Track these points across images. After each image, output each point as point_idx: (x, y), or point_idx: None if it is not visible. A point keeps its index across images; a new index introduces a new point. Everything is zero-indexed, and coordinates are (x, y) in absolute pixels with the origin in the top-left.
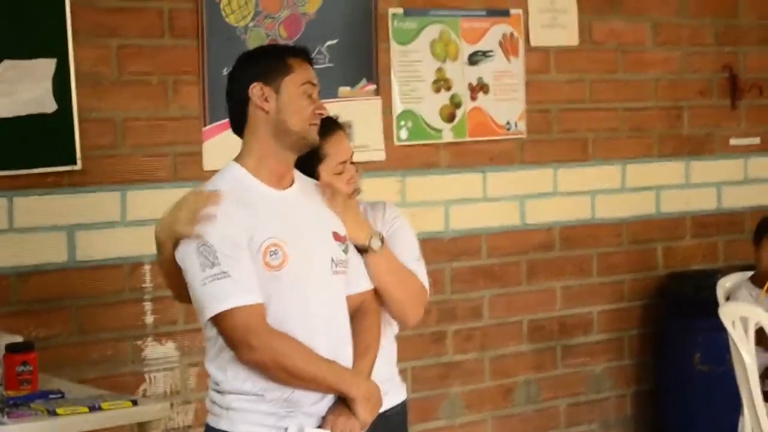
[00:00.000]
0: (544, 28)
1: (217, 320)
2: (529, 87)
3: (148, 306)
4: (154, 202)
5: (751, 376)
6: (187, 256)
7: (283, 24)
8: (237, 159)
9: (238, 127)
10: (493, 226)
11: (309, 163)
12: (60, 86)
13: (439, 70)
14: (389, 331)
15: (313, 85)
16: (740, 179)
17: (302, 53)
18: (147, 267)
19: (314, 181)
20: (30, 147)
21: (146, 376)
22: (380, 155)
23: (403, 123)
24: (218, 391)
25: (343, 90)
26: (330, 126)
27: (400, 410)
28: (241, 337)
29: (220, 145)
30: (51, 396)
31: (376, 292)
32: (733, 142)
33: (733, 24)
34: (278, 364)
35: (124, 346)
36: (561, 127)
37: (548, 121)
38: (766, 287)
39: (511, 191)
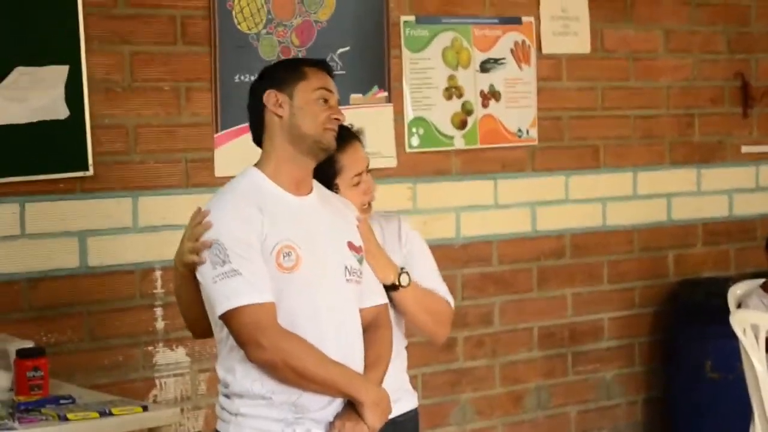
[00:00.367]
0: (556, 35)
1: (227, 318)
2: (541, 94)
3: (159, 312)
4: (165, 208)
5: (762, 384)
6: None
7: (295, 31)
8: (256, 165)
9: (258, 135)
10: (504, 233)
11: (326, 175)
12: (72, 93)
13: (451, 77)
14: (400, 341)
15: (329, 91)
16: (752, 187)
17: (319, 63)
18: (158, 273)
19: (333, 193)
20: (42, 153)
21: (157, 381)
22: (392, 162)
23: (414, 130)
24: (227, 396)
25: (355, 97)
26: (345, 137)
27: (412, 417)
28: (251, 335)
29: (232, 151)
30: (62, 401)
31: (406, 318)
32: (744, 149)
33: (744, 32)
34: (287, 365)
35: (134, 352)
36: (572, 134)
37: (560, 129)
38: None
39: (523, 198)
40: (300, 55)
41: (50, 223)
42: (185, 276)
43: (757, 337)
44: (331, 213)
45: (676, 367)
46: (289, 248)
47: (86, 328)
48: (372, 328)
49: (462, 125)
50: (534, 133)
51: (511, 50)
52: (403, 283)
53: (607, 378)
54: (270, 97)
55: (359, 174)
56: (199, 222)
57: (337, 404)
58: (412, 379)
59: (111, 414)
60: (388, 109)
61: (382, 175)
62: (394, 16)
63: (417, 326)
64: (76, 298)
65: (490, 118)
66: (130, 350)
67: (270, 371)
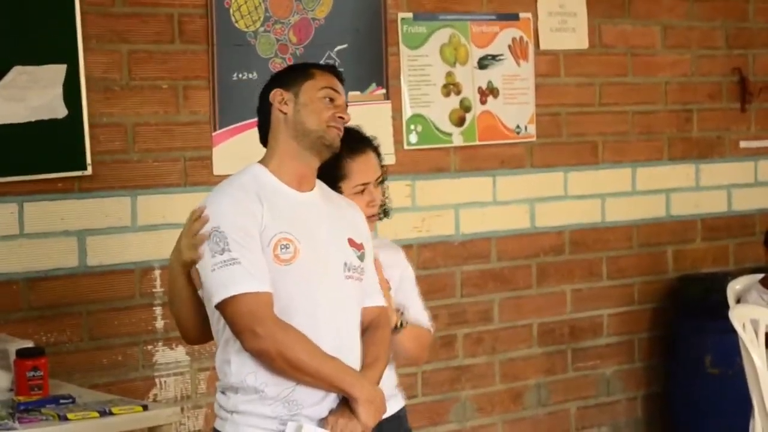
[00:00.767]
0: (554, 31)
1: (224, 306)
2: (539, 90)
3: (158, 311)
4: (164, 206)
5: (762, 379)
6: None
7: (292, 29)
8: (260, 161)
9: (264, 136)
10: (503, 230)
11: (331, 177)
12: (70, 92)
13: (449, 74)
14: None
15: (336, 92)
16: (750, 182)
17: (327, 66)
18: (157, 272)
19: (337, 194)
20: (40, 152)
21: (157, 380)
22: (390, 159)
23: (412, 127)
24: (223, 392)
25: (353, 94)
26: (359, 145)
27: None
28: (247, 324)
29: (230, 149)
30: (62, 401)
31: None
32: (743, 144)
33: (743, 27)
34: (282, 355)
35: (134, 351)
36: (571, 130)
37: (558, 125)
38: None
39: (521, 195)
40: (298, 53)
41: (49, 222)
42: (180, 275)
43: (756, 332)
44: (332, 210)
45: (676, 362)
46: (287, 240)
47: (85, 328)
48: (372, 328)
49: (460, 122)
50: (532, 129)
51: (509, 46)
52: (404, 324)
53: (607, 374)
54: (276, 95)
55: (365, 184)
56: (197, 218)
57: (331, 400)
58: (412, 377)
59: (111, 413)
60: (386, 107)
61: None
62: (392, 13)
63: (403, 354)
64: (75, 298)
65: (489, 115)
66: (130, 349)
67: (264, 361)
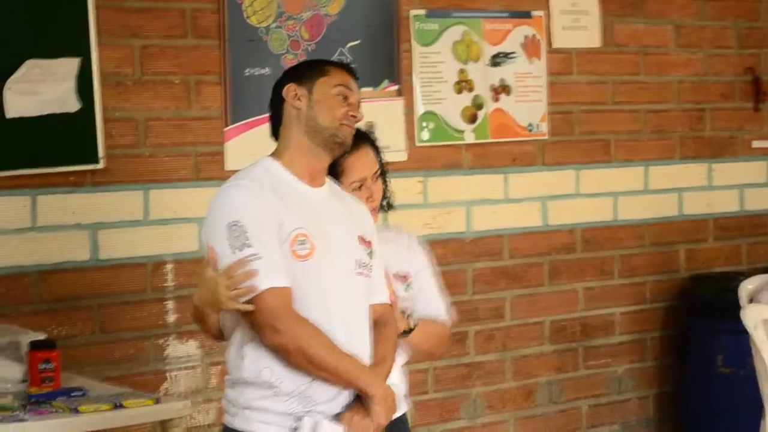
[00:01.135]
0: (566, 29)
1: (246, 303)
2: (551, 88)
3: (170, 305)
4: (176, 201)
5: None
6: (218, 237)
7: (305, 25)
8: (271, 155)
9: (276, 130)
10: (514, 228)
11: (330, 173)
12: (83, 86)
13: (461, 71)
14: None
15: (350, 89)
16: (763, 181)
17: (342, 63)
18: (169, 266)
19: (344, 191)
20: (53, 146)
21: (168, 374)
22: (402, 156)
23: (425, 124)
24: (233, 386)
25: (366, 91)
26: (355, 140)
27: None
28: (268, 319)
29: (241, 145)
30: (73, 394)
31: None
32: (755, 144)
33: (755, 26)
34: (300, 350)
35: (145, 345)
36: (583, 128)
37: (570, 123)
38: None
39: (533, 192)
40: (310, 49)
41: (61, 215)
42: (212, 314)
43: None
44: (342, 206)
45: (688, 361)
46: (304, 236)
47: (97, 321)
48: (378, 325)
49: (472, 119)
50: (544, 127)
51: (522, 44)
52: (412, 326)
53: (619, 372)
54: (289, 90)
55: (363, 179)
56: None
57: (345, 397)
58: (423, 373)
59: (122, 406)
60: (399, 103)
61: (393, 168)
62: (404, 9)
63: (418, 351)
64: (86, 291)
65: (501, 113)
66: (141, 343)
67: (283, 356)
